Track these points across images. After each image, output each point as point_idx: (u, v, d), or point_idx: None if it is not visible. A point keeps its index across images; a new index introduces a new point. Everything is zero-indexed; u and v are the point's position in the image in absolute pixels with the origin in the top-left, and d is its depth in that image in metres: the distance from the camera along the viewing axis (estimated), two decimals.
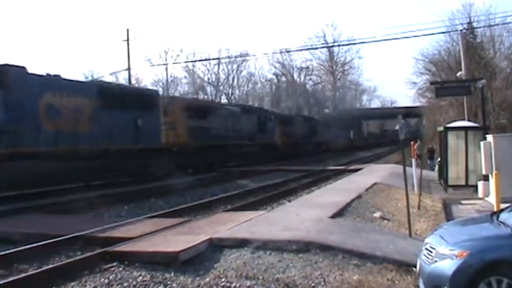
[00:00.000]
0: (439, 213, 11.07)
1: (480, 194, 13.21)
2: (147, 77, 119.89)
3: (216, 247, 6.75)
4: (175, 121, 21.20)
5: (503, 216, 5.43)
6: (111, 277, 5.78)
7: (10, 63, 13.45)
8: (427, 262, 5.09)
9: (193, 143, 21.76)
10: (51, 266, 6.33)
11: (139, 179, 18.07)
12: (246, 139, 27.98)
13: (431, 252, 5.11)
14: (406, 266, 6.25)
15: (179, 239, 7.05)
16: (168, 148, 19.87)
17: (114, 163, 15.90)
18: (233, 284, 5.61)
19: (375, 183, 14.43)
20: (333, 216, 8.90)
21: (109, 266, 6.14)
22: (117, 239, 7.28)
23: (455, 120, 18.84)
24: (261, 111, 33.70)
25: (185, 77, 63.76)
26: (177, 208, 11.68)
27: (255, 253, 6.50)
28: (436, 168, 19.41)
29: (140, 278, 5.74)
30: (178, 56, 60.85)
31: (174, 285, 5.60)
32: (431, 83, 23.44)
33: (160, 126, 19.70)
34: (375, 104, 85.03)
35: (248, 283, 5.62)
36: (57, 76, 15.18)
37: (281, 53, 62.47)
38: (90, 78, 48.76)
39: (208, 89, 64.15)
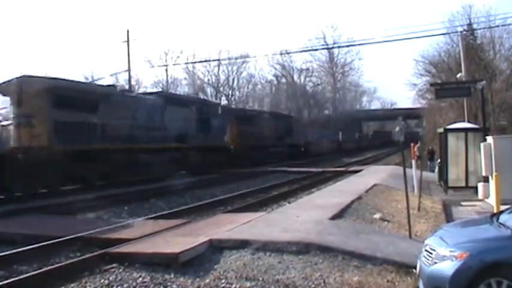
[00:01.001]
0: (439, 214, 11.06)
1: (480, 195, 13.20)
2: (147, 79, 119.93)
3: (216, 248, 6.75)
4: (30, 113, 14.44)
5: (503, 218, 5.42)
6: (111, 278, 5.78)
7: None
8: (427, 263, 5.09)
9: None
10: (51, 267, 6.33)
11: (139, 179, 18.07)
12: (173, 140, 20.40)
13: (431, 253, 5.11)
14: (406, 268, 6.25)
15: (179, 240, 7.05)
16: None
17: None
18: (233, 285, 5.61)
19: (374, 185, 14.43)
20: (333, 218, 8.90)
21: (109, 267, 6.15)
22: (117, 240, 7.28)
23: (455, 122, 18.84)
24: (202, 104, 25.17)
25: (185, 78, 63.91)
26: (177, 209, 11.68)
27: (255, 254, 6.50)
28: (436, 169, 19.41)
29: (140, 279, 5.74)
30: (178, 57, 61.02)
31: (174, 286, 5.61)
32: (431, 85, 23.47)
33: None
34: (375, 105, 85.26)
35: (248, 284, 5.62)
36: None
37: (281, 54, 62.64)
38: (90, 80, 48.93)
39: (208, 90, 64.25)
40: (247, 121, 30.30)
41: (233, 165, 25.08)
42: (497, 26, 30.04)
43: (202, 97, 34.42)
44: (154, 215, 10.76)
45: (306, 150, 40.43)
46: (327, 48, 65.81)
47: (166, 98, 21.46)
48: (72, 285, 5.59)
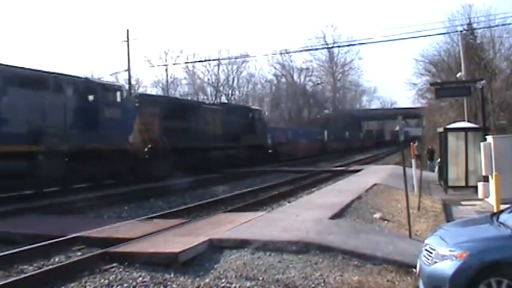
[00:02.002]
0: (439, 214, 11.07)
1: (480, 195, 13.20)
2: (147, 78, 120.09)
3: (216, 248, 6.75)
4: None
5: (503, 217, 5.43)
6: (111, 278, 5.78)
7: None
8: (427, 263, 5.09)
9: None
10: (51, 266, 6.33)
11: (140, 179, 18.07)
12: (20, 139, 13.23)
13: (431, 253, 5.11)
14: (406, 267, 6.25)
15: (179, 239, 7.05)
16: None
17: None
18: (233, 285, 5.61)
19: (374, 184, 14.43)
20: (333, 217, 8.90)
21: (109, 266, 6.15)
22: (117, 240, 7.28)
23: (455, 121, 18.84)
24: (86, 86, 16.43)
25: (185, 78, 63.97)
26: (177, 209, 11.69)
27: (255, 254, 6.50)
28: (436, 169, 19.41)
29: (140, 278, 5.75)
30: (178, 56, 61.04)
31: (174, 286, 5.61)
32: (431, 84, 23.48)
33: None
34: (375, 105, 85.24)
35: (248, 284, 5.62)
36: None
37: (281, 54, 62.62)
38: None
39: (208, 89, 64.30)
40: (179, 114, 21.98)
41: (139, 177, 18.22)
42: (497, 26, 30.11)
43: (93, 79, 20.79)
44: (154, 214, 10.76)
45: (276, 152, 33.63)
46: (327, 48, 65.81)
47: (14, 74, 13.51)
48: (72, 284, 5.59)
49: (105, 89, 17.28)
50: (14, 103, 13.18)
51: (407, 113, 45.88)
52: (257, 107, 40.15)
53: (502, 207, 7.13)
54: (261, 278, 5.76)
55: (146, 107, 19.72)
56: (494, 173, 10.43)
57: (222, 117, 26.14)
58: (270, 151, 32.76)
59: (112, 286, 5.56)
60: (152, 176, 18.64)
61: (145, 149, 18.75)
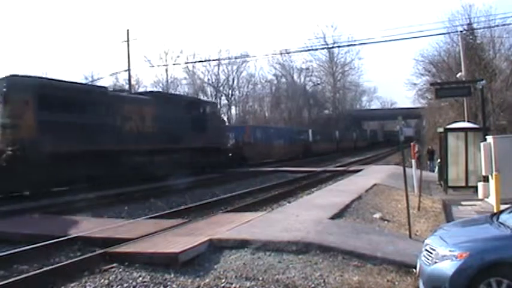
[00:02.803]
0: (439, 214, 11.06)
1: (480, 195, 13.20)
2: (147, 78, 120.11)
3: (216, 248, 6.75)
4: None
5: (503, 217, 5.43)
6: (111, 278, 5.78)
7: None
8: (427, 263, 5.09)
9: None
10: (51, 266, 6.33)
11: (139, 179, 18.06)
12: None
13: (431, 253, 5.11)
14: (406, 267, 6.25)
15: (179, 240, 7.05)
16: None
17: None
18: (233, 285, 5.61)
19: (374, 184, 14.43)
20: (333, 217, 8.90)
21: (109, 266, 6.15)
22: (117, 240, 7.28)
23: (455, 121, 18.85)
24: None
25: (185, 78, 63.96)
26: (177, 209, 11.69)
27: (255, 254, 6.50)
28: (436, 169, 19.41)
29: (140, 278, 5.75)
30: (178, 57, 61.06)
31: (174, 286, 5.61)
32: (431, 84, 23.46)
33: None
34: (375, 105, 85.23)
35: (248, 284, 5.62)
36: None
37: (281, 54, 62.55)
38: (90, 80, 48.88)
39: (208, 89, 64.30)
40: (71, 104, 15.52)
41: None
42: (497, 26, 30.14)
43: None
44: (154, 214, 10.77)
45: (240, 156, 28.22)
46: (327, 48, 65.76)
47: None
48: (72, 284, 5.59)
49: None
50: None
51: (407, 113, 45.87)
52: (210, 100, 34.06)
53: (502, 207, 7.14)
54: (261, 278, 5.76)
55: (14, 92, 14.18)
56: (494, 173, 10.43)
57: (152, 111, 19.36)
58: (230, 155, 26.47)
59: (112, 286, 5.56)
60: (9, 194, 13.55)
61: (3, 155, 13.36)
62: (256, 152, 31.16)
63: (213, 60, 59.76)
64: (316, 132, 46.94)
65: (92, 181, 15.53)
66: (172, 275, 5.85)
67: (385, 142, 69.74)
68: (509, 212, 5.52)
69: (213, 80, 64.01)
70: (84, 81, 47.73)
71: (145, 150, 18.49)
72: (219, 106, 53.99)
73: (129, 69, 35.76)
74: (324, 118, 67.61)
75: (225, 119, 45.38)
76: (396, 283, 5.89)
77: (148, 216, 10.33)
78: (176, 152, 20.35)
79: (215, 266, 6.17)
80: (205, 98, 33.95)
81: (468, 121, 19.07)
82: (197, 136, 21.84)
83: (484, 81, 17.48)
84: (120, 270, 6.04)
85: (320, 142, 46.00)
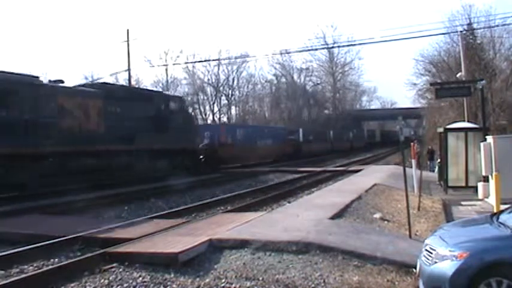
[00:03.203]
0: (439, 214, 11.06)
1: (480, 195, 13.20)
2: (147, 78, 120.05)
3: (216, 248, 6.75)
4: None
5: (503, 218, 5.43)
6: (111, 278, 5.78)
7: None
8: (427, 263, 5.09)
9: None
10: (51, 266, 6.34)
11: (139, 179, 18.06)
12: None
13: (431, 253, 5.11)
14: (406, 267, 6.25)
15: (179, 239, 7.05)
16: None
17: None
18: (233, 285, 5.61)
19: (374, 184, 14.43)
20: (333, 217, 8.90)
21: (109, 266, 6.15)
22: (117, 240, 7.29)
23: (455, 121, 18.84)
24: None
25: (185, 78, 63.95)
26: (177, 209, 11.69)
27: (255, 254, 6.50)
28: (436, 169, 19.41)
29: (140, 278, 5.75)
30: (178, 57, 61.05)
31: (174, 286, 5.61)
32: (431, 84, 23.45)
33: None
34: (375, 105, 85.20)
35: (248, 284, 5.62)
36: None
37: (281, 54, 62.57)
38: (90, 80, 48.86)
39: (208, 89, 64.31)
40: None
41: None
42: (497, 26, 30.13)
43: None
44: (154, 214, 10.77)
45: (212, 159, 24.59)
46: (327, 48, 65.77)
47: None
48: (72, 284, 5.59)
49: None
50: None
51: (407, 113, 45.83)
52: (176, 94, 25.98)
53: (502, 207, 7.13)
54: (261, 278, 5.75)
55: None
56: (494, 173, 10.43)
57: (99, 106, 16.61)
58: (201, 157, 23.49)
59: (112, 286, 5.56)
60: None
61: None
62: (234, 154, 27.56)
63: (213, 60, 59.84)
64: (308, 132, 43.61)
65: (16, 190, 13.61)
66: (172, 275, 5.85)
67: (383, 142, 68.57)
68: (509, 212, 5.52)
69: (213, 80, 64.05)
70: (84, 81, 47.70)
71: (89, 153, 15.54)
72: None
73: (129, 69, 35.76)
74: (323, 118, 67.51)
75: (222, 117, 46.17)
76: (396, 283, 5.89)
77: (148, 216, 10.33)
78: (130, 155, 17.28)
79: (215, 266, 6.17)
80: (164, 92, 26.98)
81: (468, 121, 19.07)
82: (158, 136, 18.74)
83: (484, 81, 17.46)
84: (120, 270, 6.04)
85: (313, 142, 42.49)
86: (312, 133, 45.04)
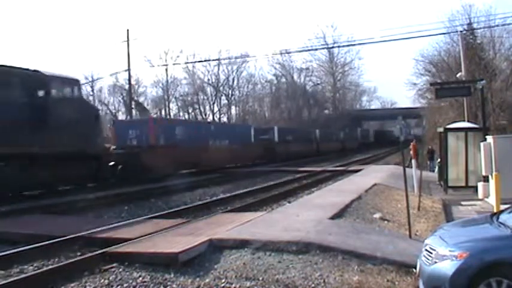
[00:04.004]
0: (439, 214, 11.06)
1: (480, 195, 13.20)
2: (147, 78, 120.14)
3: (216, 248, 6.75)
4: None
5: (503, 217, 5.43)
6: (111, 278, 5.78)
7: None
8: (427, 263, 5.10)
9: None
10: (51, 266, 6.34)
11: (140, 179, 18.06)
12: None
13: (431, 253, 5.11)
14: (406, 267, 6.25)
15: (179, 239, 7.05)
16: None
17: None
18: (233, 285, 5.61)
19: (374, 184, 14.43)
20: (333, 217, 8.90)
21: (109, 266, 6.15)
22: (117, 240, 7.29)
23: (455, 121, 18.84)
24: None
25: (185, 78, 64.03)
26: (177, 209, 11.70)
27: (255, 254, 6.50)
28: (436, 169, 19.41)
29: (140, 278, 5.74)
30: (178, 56, 61.16)
31: (174, 286, 5.60)
32: (431, 84, 23.45)
33: None
34: (375, 105, 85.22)
35: (248, 284, 5.62)
36: None
37: (281, 54, 62.70)
38: (90, 79, 48.79)
39: (208, 89, 64.34)
40: None
41: None
42: (497, 26, 30.13)
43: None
44: (154, 214, 10.77)
45: (134, 166, 18.57)
46: (327, 48, 65.85)
47: None
48: (72, 284, 5.59)
49: None
50: None
51: (408, 113, 45.78)
52: (66, 75, 15.52)
53: (502, 207, 7.13)
54: (261, 278, 5.75)
55: None
56: (494, 173, 10.43)
57: None
58: (111, 164, 18.17)
59: (112, 286, 5.56)
60: None
61: None
62: (170, 159, 20.21)
63: (213, 60, 59.90)
64: (286, 131, 38.67)
65: None
66: (172, 275, 5.85)
67: (379, 143, 65.61)
68: (509, 212, 5.52)
69: (213, 80, 64.14)
70: (84, 81, 47.65)
71: None
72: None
73: (129, 69, 35.80)
74: (323, 118, 67.45)
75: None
76: (396, 283, 5.89)
77: (148, 216, 10.34)
78: None
79: (215, 266, 6.17)
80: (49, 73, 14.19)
81: (468, 121, 19.06)
82: (34, 134, 13.46)
83: (484, 81, 17.46)
84: (120, 270, 6.03)
85: (291, 143, 37.02)
86: (291, 132, 39.85)
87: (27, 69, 14.56)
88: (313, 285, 5.64)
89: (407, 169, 9.32)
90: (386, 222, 9.46)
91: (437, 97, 19.57)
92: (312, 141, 43.72)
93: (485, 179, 12.97)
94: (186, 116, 61.94)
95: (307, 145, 41.10)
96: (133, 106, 40.65)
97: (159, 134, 21.35)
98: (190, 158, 22.38)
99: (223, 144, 26.80)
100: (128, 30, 36.14)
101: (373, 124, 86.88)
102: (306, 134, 44.22)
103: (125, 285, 5.57)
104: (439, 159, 18.22)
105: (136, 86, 58.24)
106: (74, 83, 16.44)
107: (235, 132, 30.78)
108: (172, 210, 11.37)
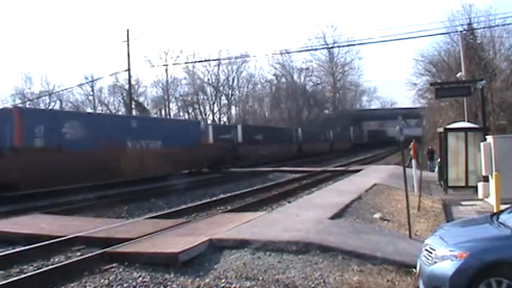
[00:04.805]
0: (439, 214, 11.06)
1: (480, 195, 13.20)
2: (147, 78, 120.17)
3: (216, 248, 6.75)
4: None
5: (503, 217, 5.43)
6: (111, 278, 5.78)
7: None
8: (427, 263, 5.09)
9: None
10: (51, 266, 6.33)
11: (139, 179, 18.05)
12: None
13: (431, 253, 5.11)
14: (406, 267, 6.25)
15: (179, 239, 7.05)
16: None
17: None
18: (233, 285, 5.61)
19: (374, 184, 14.43)
20: (333, 217, 8.90)
21: (109, 266, 6.15)
22: (117, 240, 7.28)
23: (455, 121, 18.84)
24: None
25: (185, 78, 63.99)
26: (177, 209, 11.70)
27: (255, 254, 6.50)
28: (436, 169, 19.41)
29: (140, 278, 5.75)
30: (178, 57, 61.11)
31: (174, 286, 5.60)
32: (431, 84, 23.44)
33: None
34: (375, 105, 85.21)
35: (248, 284, 5.62)
36: None
37: (281, 54, 62.66)
38: (90, 79, 48.75)
39: (208, 89, 64.34)
40: None
41: None
42: (497, 26, 30.10)
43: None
44: (154, 214, 10.78)
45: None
46: (327, 48, 65.86)
47: None
48: (72, 284, 5.59)
49: None
50: None
51: (408, 113, 45.73)
52: None
53: (502, 207, 7.13)
54: (261, 278, 5.75)
55: None
56: (494, 173, 10.43)
57: None
58: None
59: (112, 286, 5.56)
60: None
61: None
62: (49, 168, 14.79)
63: (213, 60, 59.89)
64: (254, 130, 32.81)
65: None
66: (172, 275, 5.85)
67: (375, 144, 63.43)
68: (509, 212, 5.52)
69: (213, 80, 64.14)
70: (84, 81, 47.58)
71: None
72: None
73: (129, 69, 35.76)
74: (323, 118, 67.44)
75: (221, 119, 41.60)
76: (396, 283, 5.88)
77: (148, 216, 10.34)
78: None
79: (215, 266, 6.17)
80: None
81: (468, 121, 19.05)
82: None
83: (484, 81, 17.45)
84: (120, 270, 6.04)
85: (262, 144, 31.14)
86: (262, 131, 33.97)
87: None
88: (313, 285, 5.64)
89: (407, 169, 9.31)
90: (386, 222, 9.45)
91: (437, 97, 19.57)
92: (292, 141, 38.01)
93: (485, 179, 12.96)
94: (186, 116, 61.90)
95: (284, 146, 35.62)
96: (133, 106, 40.65)
97: (30, 132, 15.14)
98: (91, 166, 16.19)
99: (152, 146, 20.21)
100: (128, 30, 36.08)
101: (373, 124, 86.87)
102: (284, 133, 38.36)
103: (125, 285, 5.57)
104: (439, 159, 18.21)
105: (136, 86, 58.22)
106: None
107: (174, 130, 22.88)
108: (172, 210, 11.38)
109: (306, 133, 42.31)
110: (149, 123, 23.02)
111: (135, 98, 51.09)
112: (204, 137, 26.21)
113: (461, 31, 28.18)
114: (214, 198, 13.69)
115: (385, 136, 70.70)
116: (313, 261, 6.27)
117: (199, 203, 12.76)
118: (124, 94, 54.46)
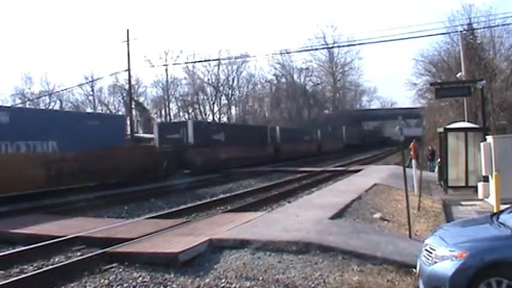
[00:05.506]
0: (439, 214, 11.06)
1: (480, 195, 13.20)
2: (147, 78, 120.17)
3: (216, 248, 6.75)
4: None
5: (503, 217, 5.42)
6: (111, 278, 5.79)
7: None
8: (427, 263, 5.09)
9: None
10: (51, 266, 6.33)
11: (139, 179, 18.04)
12: None
13: (431, 253, 5.11)
14: (406, 267, 6.25)
15: (179, 239, 7.05)
16: None
17: None
18: (233, 285, 5.61)
19: (374, 184, 14.42)
20: (333, 217, 8.90)
21: (109, 266, 6.15)
22: (117, 240, 7.29)
23: (455, 121, 18.84)
24: None
25: (185, 78, 64.00)
26: (177, 209, 11.70)
27: (255, 254, 6.50)
28: (436, 169, 19.41)
29: (140, 278, 5.75)
30: (178, 57, 61.15)
31: (174, 286, 5.60)
32: (431, 84, 23.43)
33: None
34: (375, 105, 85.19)
35: (248, 284, 5.62)
36: None
37: (281, 54, 62.65)
38: (90, 79, 48.74)
39: (208, 89, 64.35)
40: None
41: None
42: (497, 26, 30.12)
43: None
44: (154, 214, 10.78)
45: None
46: (327, 48, 65.92)
47: None
48: (72, 284, 5.59)
49: None
50: None
51: (408, 113, 45.69)
52: None
53: (502, 207, 7.13)
54: (261, 278, 5.75)
55: None
56: (494, 173, 10.43)
57: None
58: None
59: (112, 286, 5.56)
60: None
61: None
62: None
63: (213, 60, 59.92)
64: (214, 128, 26.99)
65: None
66: (172, 275, 5.85)
67: (372, 144, 61.26)
68: (509, 212, 5.52)
69: (213, 80, 64.16)
70: (84, 81, 47.55)
71: None
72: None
73: (129, 69, 35.71)
74: (323, 118, 67.41)
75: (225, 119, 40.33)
76: (396, 283, 5.88)
77: (148, 216, 10.34)
78: None
79: (215, 266, 6.17)
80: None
81: (468, 121, 19.05)
82: None
83: (484, 81, 17.44)
84: (120, 270, 6.04)
85: (223, 146, 25.60)
86: (225, 130, 27.61)
87: None
88: (313, 285, 5.64)
89: (407, 169, 9.31)
90: (386, 222, 9.45)
91: (437, 97, 19.56)
92: (267, 142, 31.93)
93: (485, 179, 12.96)
94: (186, 116, 61.94)
95: (257, 148, 29.62)
96: (133, 106, 40.65)
97: None
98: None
99: (40, 150, 15.15)
100: (128, 30, 35.99)
101: (372, 124, 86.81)
102: (256, 132, 31.92)
103: (125, 285, 5.58)
104: (439, 159, 18.21)
105: (136, 86, 58.27)
106: None
107: (67, 126, 16.44)
108: (172, 210, 11.38)
109: (285, 132, 35.93)
110: (36, 118, 16.20)
111: (135, 98, 51.12)
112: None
113: (461, 31, 28.19)
114: (214, 198, 13.69)
115: (381, 136, 70.31)
116: (313, 261, 6.27)
117: (199, 203, 12.76)
118: (124, 94, 54.50)
